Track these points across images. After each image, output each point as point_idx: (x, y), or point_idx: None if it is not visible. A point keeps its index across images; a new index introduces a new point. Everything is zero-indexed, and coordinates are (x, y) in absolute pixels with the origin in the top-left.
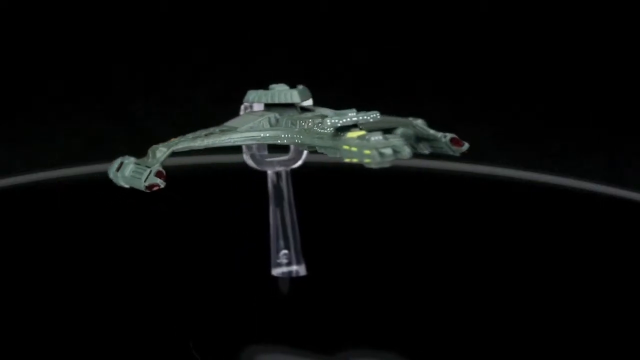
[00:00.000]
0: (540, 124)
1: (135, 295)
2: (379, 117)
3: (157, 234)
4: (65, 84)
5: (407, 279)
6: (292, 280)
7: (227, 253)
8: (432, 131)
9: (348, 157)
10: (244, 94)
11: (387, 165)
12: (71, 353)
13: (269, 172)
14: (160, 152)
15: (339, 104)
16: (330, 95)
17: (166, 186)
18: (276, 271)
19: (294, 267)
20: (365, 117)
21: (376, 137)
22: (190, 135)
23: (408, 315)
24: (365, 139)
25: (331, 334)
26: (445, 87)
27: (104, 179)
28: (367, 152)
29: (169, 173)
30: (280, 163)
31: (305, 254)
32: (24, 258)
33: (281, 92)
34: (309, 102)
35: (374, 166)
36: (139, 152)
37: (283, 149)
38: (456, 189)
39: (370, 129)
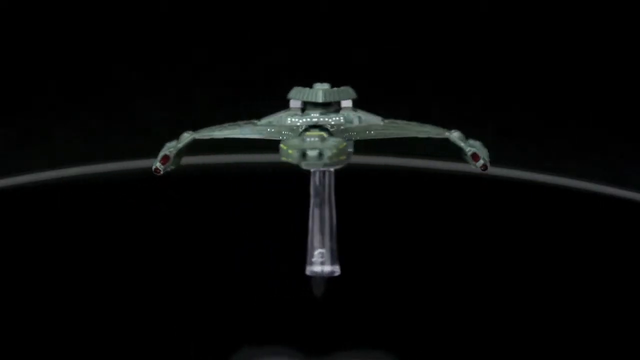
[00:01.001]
0: (540, 124)
1: (147, 296)
2: (341, 120)
3: (156, 234)
4: (65, 84)
5: (426, 281)
6: (327, 280)
7: (250, 252)
8: (462, 144)
9: (282, 156)
10: (243, 94)
11: (319, 166)
12: (78, 353)
13: (314, 170)
14: (184, 137)
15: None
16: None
17: (167, 186)
18: (310, 270)
19: (329, 267)
20: (327, 119)
21: (313, 138)
22: (216, 126)
23: (426, 317)
24: (305, 139)
25: (360, 334)
26: (445, 87)
27: (104, 179)
28: (290, 151)
29: (172, 174)
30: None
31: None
32: (24, 258)
33: (306, 91)
34: (347, 103)
35: (304, 167)
36: (139, 151)
37: None
38: (455, 189)
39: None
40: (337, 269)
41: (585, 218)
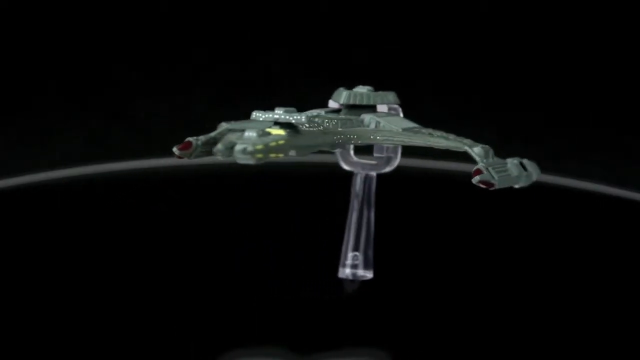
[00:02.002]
0: (541, 124)
1: (147, 296)
2: (303, 119)
3: (156, 234)
4: (65, 84)
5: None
6: (359, 283)
7: (250, 252)
8: (477, 158)
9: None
10: (243, 94)
11: (250, 161)
12: (79, 353)
13: (356, 172)
14: (220, 126)
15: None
16: (330, 95)
17: (167, 186)
18: (343, 272)
19: (362, 271)
20: (287, 117)
21: (250, 133)
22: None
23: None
24: (243, 135)
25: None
26: (445, 87)
27: (104, 179)
28: (219, 145)
29: (174, 174)
30: (371, 167)
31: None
32: (24, 258)
33: (336, 93)
34: (382, 108)
35: (238, 161)
36: (139, 151)
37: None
38: (456, 189)
39: (411, 145)
40: (369, 274)
41: (585, 218)
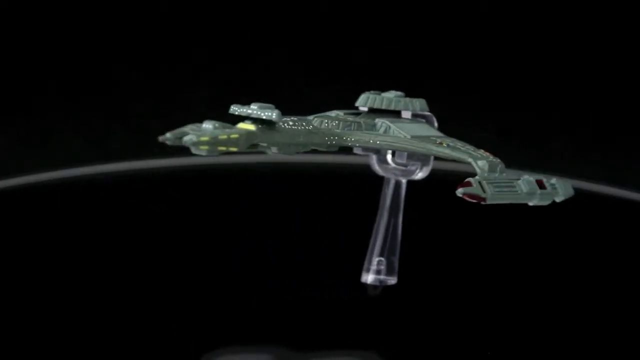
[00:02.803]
0: (541, 124)
1: (147, 296)
2: (274, 116)
3: (156, 234)
4: (65, 84)
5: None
6: (382, 288)
7: (250, 252)
8: (479, 171)
9: None
10: (243, 94)
11: (202, 153)
12: (79, 353)
13: (386, 179)
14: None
15: (339, 104)
16: (330, 95)
17: (167, 186)
18: (368, 277)
19: (387, 277)
20: (260, 113)
21: (207, 125)
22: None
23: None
24: (201, 126)
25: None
26: (445, 87)
27: (103, 180)
28: (168, 134)
29: (174, 174)
30: (402, 172)
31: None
32: (24, 259)
33: (361, 96)
34: (406, 114)
35: (193, 152)
36: (139, 151)
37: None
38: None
39: (414, 152)
40: (393, 280)
41: (585, 218)
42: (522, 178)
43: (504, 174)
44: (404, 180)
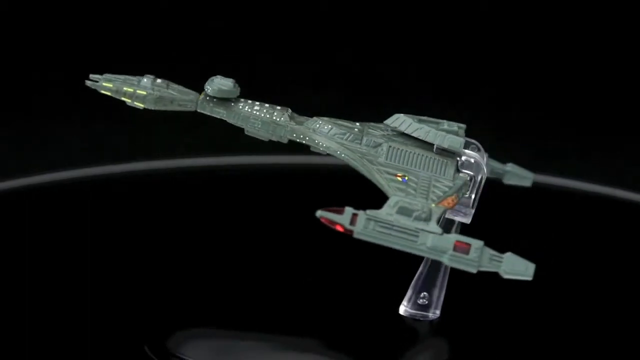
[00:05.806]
0: (541, 124)
1: (147, 296)
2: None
3: (156, 235)
4: (65, 84)
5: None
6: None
7: (251, 252)
8: (384, 206)
9: None
10: (244, 94)
11: (107, 93)
12: (79, 353)
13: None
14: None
15: (338, 104)
16: (330, 95)
17: (167, 186)
18: (409, 310)
19: (429, 312)
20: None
21: (146, 80)
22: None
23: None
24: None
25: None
26: (445, 87)
27: (103, 180)
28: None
29: (174, 175)
30: (453, 212)
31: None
32: (24, 260)
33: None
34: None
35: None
36: (139, 152)
37: None
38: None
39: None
40: (436, 314)
41: (586, 218)
42: (442, 235)
43: (421, 222)
44: (458, 222)
